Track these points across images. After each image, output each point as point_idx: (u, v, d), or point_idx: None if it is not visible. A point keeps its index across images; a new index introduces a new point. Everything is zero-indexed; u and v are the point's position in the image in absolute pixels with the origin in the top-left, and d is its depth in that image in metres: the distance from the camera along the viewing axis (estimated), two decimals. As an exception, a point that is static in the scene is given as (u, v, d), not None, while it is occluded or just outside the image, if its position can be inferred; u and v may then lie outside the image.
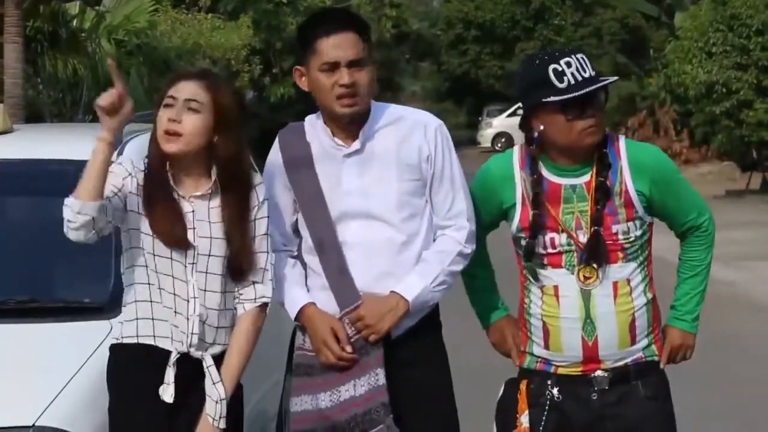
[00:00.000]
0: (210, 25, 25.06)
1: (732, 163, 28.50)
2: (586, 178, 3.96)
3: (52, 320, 4.48)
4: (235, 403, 4.01)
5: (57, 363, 4.21)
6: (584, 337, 3.96)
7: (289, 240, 4.16)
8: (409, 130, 4.08)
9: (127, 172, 3.90)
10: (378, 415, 3.91)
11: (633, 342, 3.98)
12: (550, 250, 3.98)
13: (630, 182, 3.94)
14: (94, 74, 16.05)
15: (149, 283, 3.91)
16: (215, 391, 3.90)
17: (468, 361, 5.87)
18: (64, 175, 5.15)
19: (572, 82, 3.87)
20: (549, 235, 3.98)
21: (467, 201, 4.10)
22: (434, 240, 4.10)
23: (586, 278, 3.95)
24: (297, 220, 4.14)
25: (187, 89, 3.89)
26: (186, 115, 3.86)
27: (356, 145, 4.04)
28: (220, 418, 3.90)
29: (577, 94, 3.85)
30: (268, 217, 4.01)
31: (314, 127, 4.12)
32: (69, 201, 3.72)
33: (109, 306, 4.31)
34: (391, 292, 3.99)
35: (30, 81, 15.77)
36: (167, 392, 3.87)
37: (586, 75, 3.89)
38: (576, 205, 3.96)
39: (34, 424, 3.95)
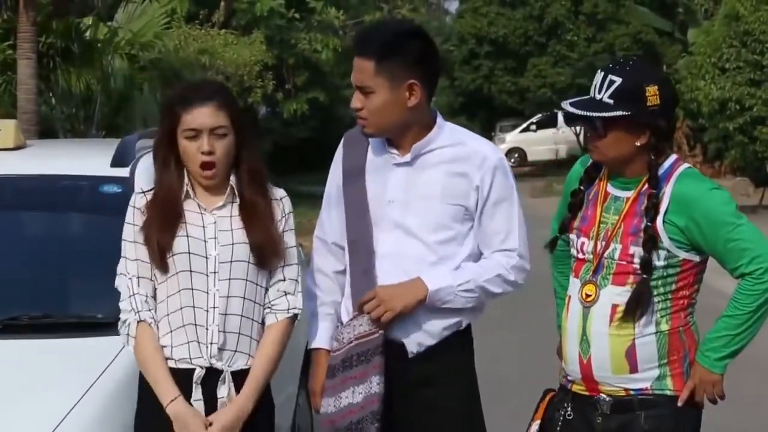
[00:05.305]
0: (223, 41, 25.08)
1: (746, 179, 28.41)
2: (629, 194, 3.92)
3: (66, 336, 4.48)
4: (265, 414, 4.01)
5: (70, 379, 4.20)
6: (580, 354, 3.94)
7: (341, 239, 4.15)
8: (465, 156, 4.03)
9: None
10: (366, 423, 3.93)
11: (633, 370, 3.90)
12: (579, 255, 3.98)
13: (662, 209, 3.84)
14: (106, 89, 16.06)
15: (168, 313, 3.91)
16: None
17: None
18: (77, 191, 5.17)
19: (591, 95, 3.87)
20: (581, 239, 3.98)
21: (521, 240, 4.07)
22: None
23: (587, 296, 3.93)
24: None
25: (206, 117, 3.87)
26: (216, 142, 3.88)
27: (407, 157, 4.03)
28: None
29: (567, 109, 3.88)
30: (293, 229, 4.03)
31: None
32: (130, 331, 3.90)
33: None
34: (416, 277, 3.97)
35: (43, 96, 15.78)
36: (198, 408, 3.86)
37: (597, 97, 3.85)
38: (610, 217, 3.93)
39: (46, 441, 3.94)
